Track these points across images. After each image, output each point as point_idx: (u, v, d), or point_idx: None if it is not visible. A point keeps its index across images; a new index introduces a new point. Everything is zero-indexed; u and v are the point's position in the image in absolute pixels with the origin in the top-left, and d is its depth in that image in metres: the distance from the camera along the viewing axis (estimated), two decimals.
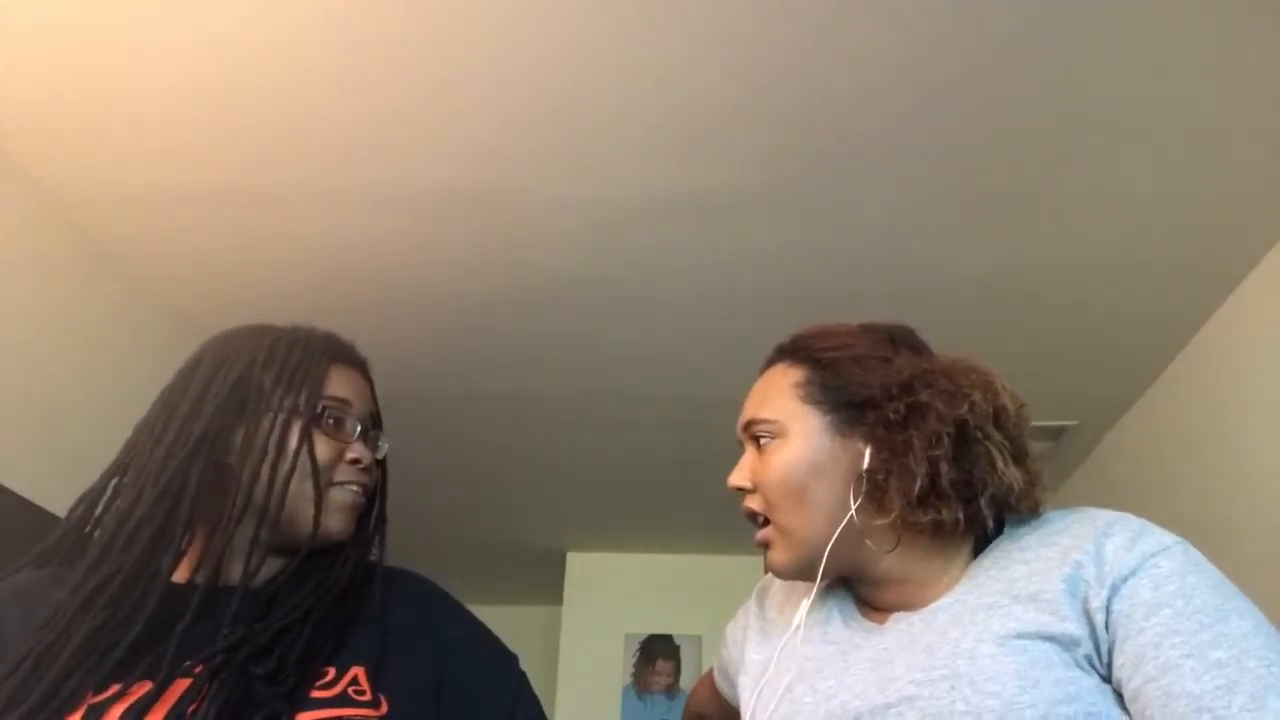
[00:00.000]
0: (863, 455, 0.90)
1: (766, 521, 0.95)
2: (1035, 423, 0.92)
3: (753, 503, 0.96)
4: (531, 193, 1.95)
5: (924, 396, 0.88)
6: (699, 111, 1.73)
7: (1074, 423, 2.72)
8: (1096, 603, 0.79)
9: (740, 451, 1.00)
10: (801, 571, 0.94)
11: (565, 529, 3.84)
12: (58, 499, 2.02)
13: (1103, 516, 0.86)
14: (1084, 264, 2.09)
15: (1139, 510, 0.87)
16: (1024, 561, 0.86)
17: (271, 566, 0.95)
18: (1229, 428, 2.19)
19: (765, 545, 0.96)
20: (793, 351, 0.99)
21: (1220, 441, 2.22)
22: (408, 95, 1.71)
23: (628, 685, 3.86)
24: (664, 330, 2.42)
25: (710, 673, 1.22)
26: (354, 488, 1.00)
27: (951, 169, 1.84)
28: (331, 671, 0.90)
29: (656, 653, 3.90)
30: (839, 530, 0.90)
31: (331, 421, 0.99)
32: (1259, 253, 2.03)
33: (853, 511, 0.89)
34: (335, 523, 0.98)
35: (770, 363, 1.01)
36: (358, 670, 0.91)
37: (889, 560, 0.91)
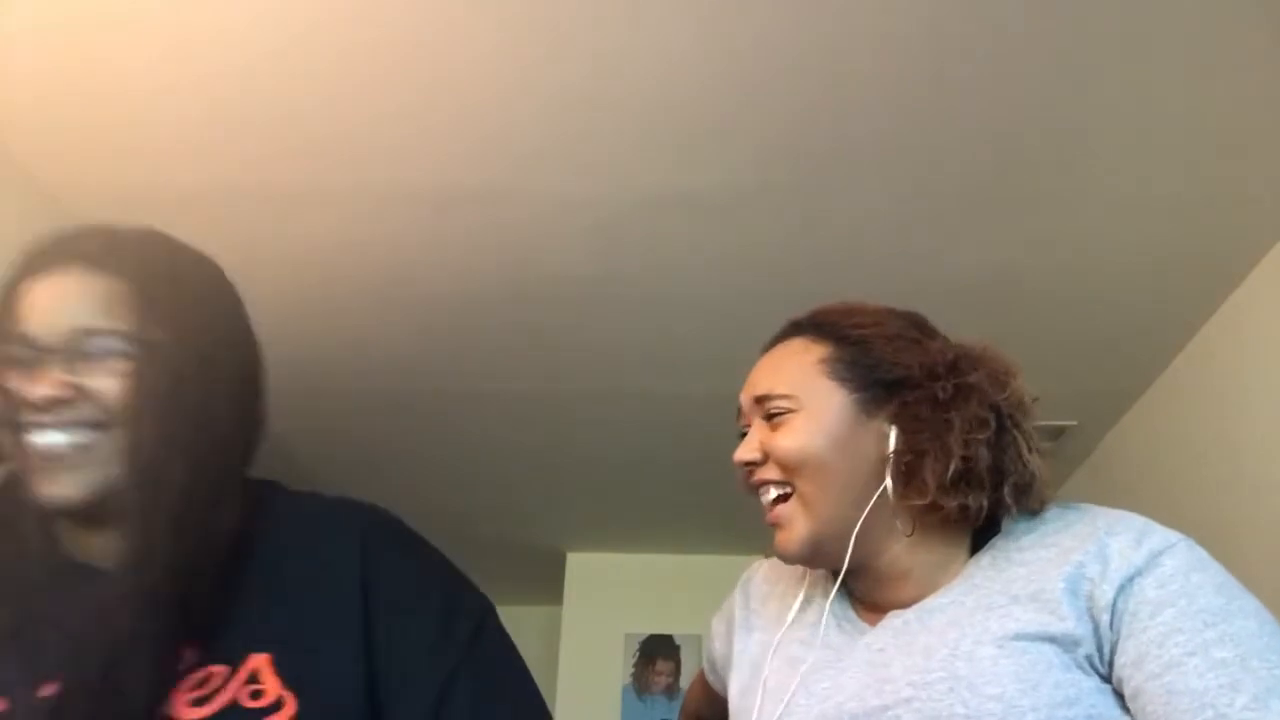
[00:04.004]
0: (887, 436, 0.89)
1: (781, 498, 0.91)
2: (1036, 422, 0.92)
3: (768, 472, 0.92)
4: (532, 192, 1.94)
5: (971, 378, 0.87)
6: (700, 110, 1.73)
7: (1074, 423, 2.72)
8: (1102, 602, 0.78)
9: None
10: (813, 552, 0.90)
11: (565, 529, 3.84)
12: None
13: (1104, 515, 0.86)
14: (1084, 264, 2.09)
15: (1139, 511, 0.86)
16: (1023, 563, 0.85)
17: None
18: (1229, 428, 2.19)
19: (776, 525, 0.92)
20: (815, 327, 0.97)
21: (1220, 442, 2.22)
22: (408, 95, 1.71)
23: (627, 685, 3.86)
24: (665, 329, 2.42)
25: (701, 672, 1.21)
26: (43, 432, 0.74)
27: (951, 169, 1.83)
28: (215, 671, 0.72)
29: (656, 653, 3.90)
30: (866, 511, 0.87)
31: (17, 358, 0.76)
32: (1259, 253, 2.03)
33: (890, 491, 0.87)
34: (46, 484, 0.74)
35: (784, 337, 0.99)
36: (259, 660, 0.72)
37: (896, 550, 0.90)
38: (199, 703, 0.70)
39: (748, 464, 0.93)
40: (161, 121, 1.77)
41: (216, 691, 0.71)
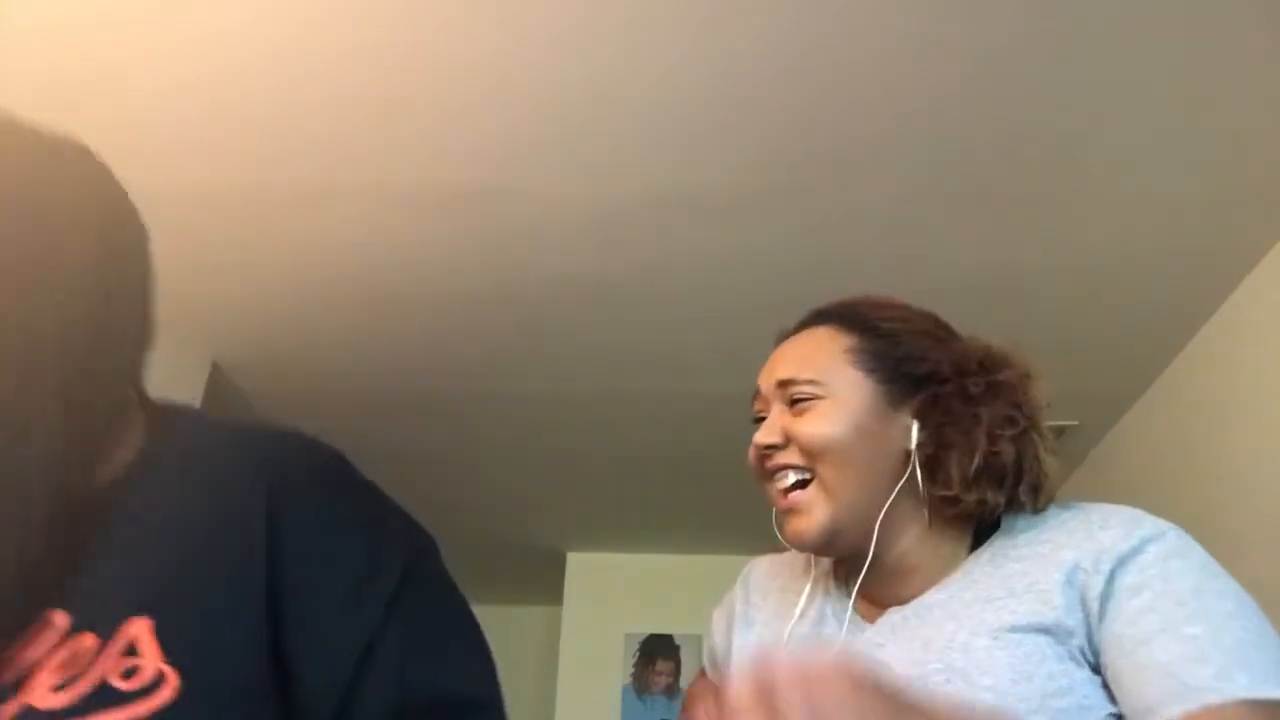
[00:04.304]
0: (909, 429, 0.89)
1: (801, 484, 0.90)
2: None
3: (788, 456, 0.90)
4: (532, 192, 1.95)
5: (1002, 376, 0.89)
6: (700, 111, 1.73)
7: (1074, 423, 2.73)
8: (1094, 592, 0.79)
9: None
10: (830, 540, 0.89)
11: (565, 529, 3.84)
12: None
13: (1099, 510, 0.87)
14: (1084, 264, 2.09)
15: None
16: (1019, 559, 0.86)
17: None
18: (1229, 427, 2.19)
19: (793, 511, 0.90)
20: (841, 317, 0.97)
21: (1221, 441, 2.22)
22: (408, 95, 1.71)
23: (627, 685, 3.86)
24: (664, 330, 2.42)
25: (703, 670, 1.21)
26: None
27: (951, 169, 1.84)
28: (86, 642, 0.58)
29: (656, 653, 3.90)
30: (889, 503, 0.88)
31: None
32: (1259, 253, 2.03)
33: (919, 483, 0.88)
34: None
35: (807, 325, 0.99)
36: (138, 627, 0.59)
37: (907, 544, 0.90)
38: (63, 686, 0.56)
39: (768, 447, 0.91)
40: (161, 121, 1.78)
41: (85, 670, 0.57)
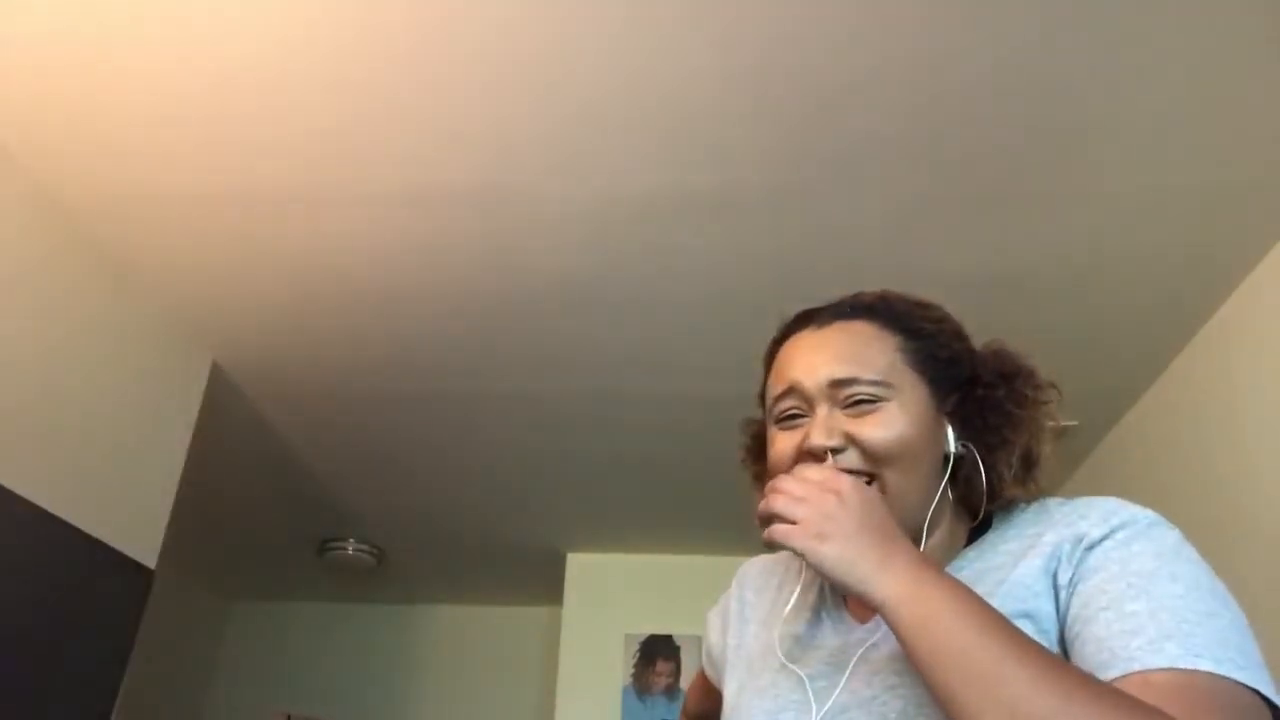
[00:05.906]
0: (947, 431, 0.89)
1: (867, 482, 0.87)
2: None
3: (847, 460, 0.87)
4: (532, 193, 1.95)
5: (1041, 381, 0.91)
6: (700, 112, 1.73)
7: (1074, 423, 2.73)
8: (1064, 578, 0.80)
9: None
10: None
11: (565, 529, 3.84)
12: (58, 499, 2.03)
13: (1083, 502, 0.87)
14: (1084, 264, 2.09)
15: None
16: (1007, 552, 0.87)
17: None
18: (1230, 427, 2.19)
19: None
20: (877, 313, 0.94)
21: (1220, 441, 2.22)
22: (408, 96, 1.71)
23: (627, 685, 3.86)
24: (664, 330, 2.42)
25: (701, 669, 1.21)
26: None
27: (951, 169, 1.84)
28: None
29: (656, 653, 3.90)
30: (935, 503, 0.88)
31: None
32: (1259, 252, 2.03)
33: (955, 482, 0.89)
34: None
35: (834, 318, 0.95)
36: None
37: (933, 542, 0.90)
38: None
39: (829, 450, 0.87)
40: (162, 123, 1.78)
41: None
